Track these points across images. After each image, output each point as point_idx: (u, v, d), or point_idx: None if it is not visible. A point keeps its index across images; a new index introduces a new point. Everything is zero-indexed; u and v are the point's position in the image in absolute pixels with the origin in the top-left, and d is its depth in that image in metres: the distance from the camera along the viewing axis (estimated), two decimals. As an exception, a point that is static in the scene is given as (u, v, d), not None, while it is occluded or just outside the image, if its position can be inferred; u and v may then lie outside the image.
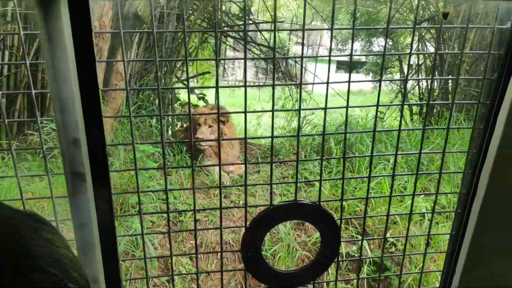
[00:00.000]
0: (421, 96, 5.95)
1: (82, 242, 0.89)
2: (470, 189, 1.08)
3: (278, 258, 3.22)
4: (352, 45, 1.15)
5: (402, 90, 6.23)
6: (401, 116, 1.36)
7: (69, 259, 0.48)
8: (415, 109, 6.20)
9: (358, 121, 4.75)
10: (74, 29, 0.67)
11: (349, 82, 1.14)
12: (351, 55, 1.10)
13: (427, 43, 6.19)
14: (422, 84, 6.22)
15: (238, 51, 7.18)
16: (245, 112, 1.07)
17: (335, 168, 3.78)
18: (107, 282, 1.01)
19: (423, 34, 5.86)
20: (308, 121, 5.12)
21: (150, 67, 5.07)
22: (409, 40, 7.21)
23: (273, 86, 1.16)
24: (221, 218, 1.21)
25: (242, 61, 1.24)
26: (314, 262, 1.26)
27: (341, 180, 1.24)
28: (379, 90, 1.26)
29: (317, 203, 1.19)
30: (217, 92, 1.09)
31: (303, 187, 3.59)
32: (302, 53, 1.24)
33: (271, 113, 1.11)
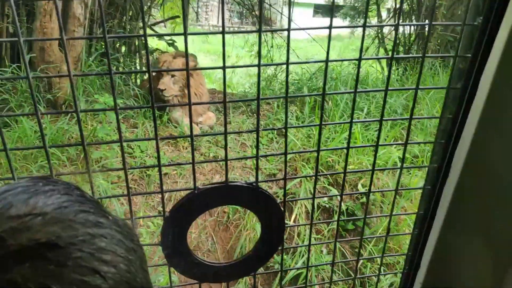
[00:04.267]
0: (398, 41, 5.80)
1: None
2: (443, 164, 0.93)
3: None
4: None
5: (380, 35, 6.07)
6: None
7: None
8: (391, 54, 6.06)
9: (333, 68, 4.58)
10: None
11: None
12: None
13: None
14: (399, 29, 6.04)
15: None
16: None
17: (308, 117, 3.68)
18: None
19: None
20: (282, 69, 4.95)
21: (114, 12, 4.73)
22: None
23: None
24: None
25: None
26: (253, 254, 1.02)
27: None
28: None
29: (255, 184, 0.92)
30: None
31: (275, 138, 3.49)
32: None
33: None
